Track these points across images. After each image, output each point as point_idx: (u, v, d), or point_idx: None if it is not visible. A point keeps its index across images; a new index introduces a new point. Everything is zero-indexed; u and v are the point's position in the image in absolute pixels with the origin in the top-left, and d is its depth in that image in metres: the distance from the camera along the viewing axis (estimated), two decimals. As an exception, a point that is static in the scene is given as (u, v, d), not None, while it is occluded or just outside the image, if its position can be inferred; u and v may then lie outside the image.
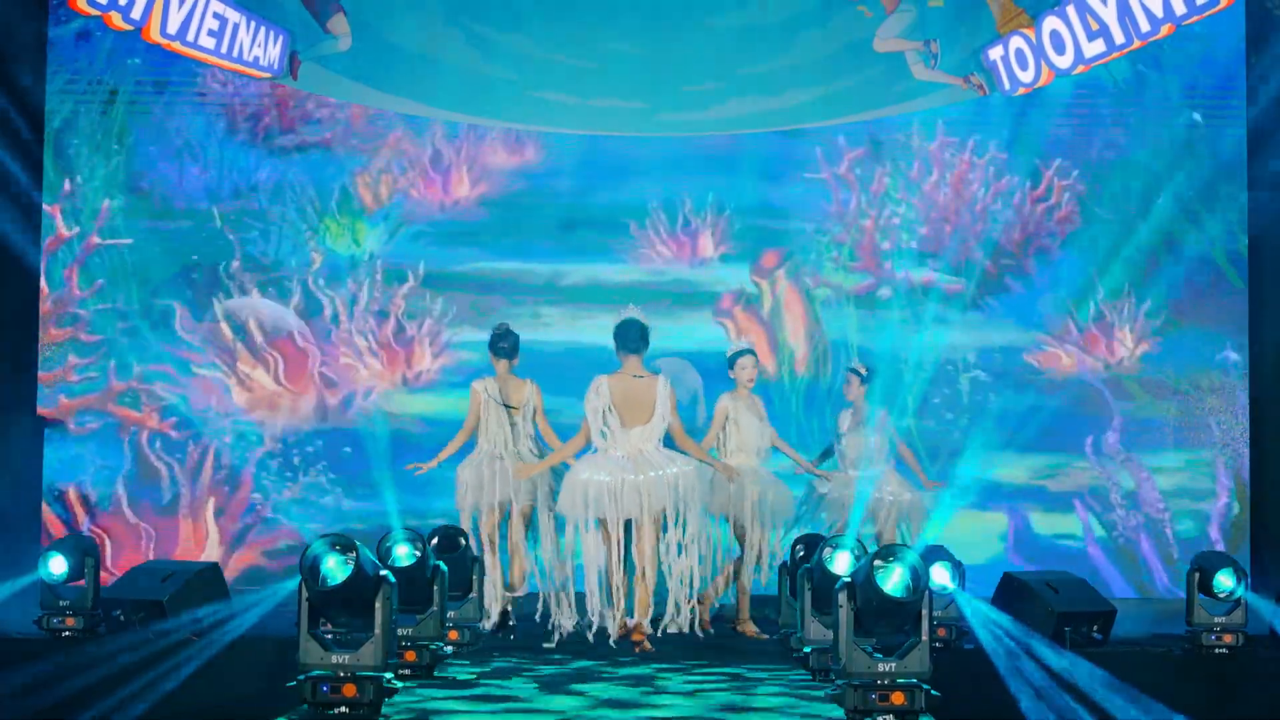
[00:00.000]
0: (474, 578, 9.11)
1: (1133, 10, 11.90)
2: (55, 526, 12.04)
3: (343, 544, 6.56)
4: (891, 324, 12.47)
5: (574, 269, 12.60)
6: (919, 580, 6.49)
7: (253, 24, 12.15)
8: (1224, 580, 9.28)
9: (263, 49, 12.19)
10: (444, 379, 12.38)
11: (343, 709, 6.50)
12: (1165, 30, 11.88)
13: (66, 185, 12.32)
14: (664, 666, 8.59)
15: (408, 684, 7.62)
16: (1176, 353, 12.49)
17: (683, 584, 9.36)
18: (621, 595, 9.32)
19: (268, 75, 12.30)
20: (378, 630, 6.58)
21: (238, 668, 8.01)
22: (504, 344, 10.22)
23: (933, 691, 6.49)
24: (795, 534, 9.88)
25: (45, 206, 12.27)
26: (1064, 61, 12.12)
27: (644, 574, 9.26)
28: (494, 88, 12.48)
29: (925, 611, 6.54)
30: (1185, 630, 9.38)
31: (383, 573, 6.70)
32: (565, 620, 9.49)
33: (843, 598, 6.63)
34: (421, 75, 12.49)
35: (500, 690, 7.72)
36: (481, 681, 7.99)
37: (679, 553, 9.30)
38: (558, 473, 9.80)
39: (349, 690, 6.50)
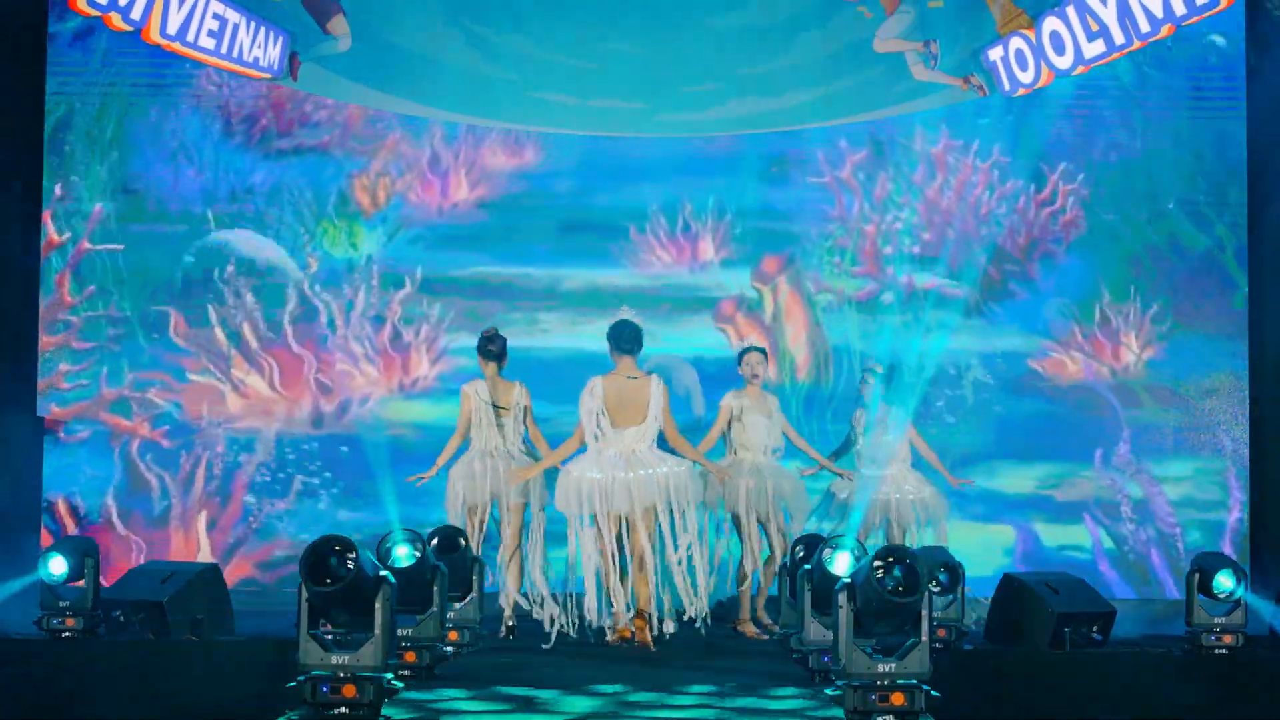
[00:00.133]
0: (474, 578, 9.10)
1: (1132, 11, 11.91)
2: (44, 539, 11.86)
3: (340, 542, 6.57)
4: (894, 329, 12.41)
5: (573, 274, 12.55)
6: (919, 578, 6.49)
7: (253, 25, 12.14)
8: (1224, 581, 9.29)
9: (263, 50, 12.18)
10: (441, 386, 12.25)
11: (342, 709, 6.50)
12: (1165, 31, 11.88)
13: (58, 190, 12.28)
14: (663, 667, 8.59)
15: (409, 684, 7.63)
16: (1183, 357, 12.39)
17: (686, 582, 9.40)
18: (618, 597, 9.34)
19: (268, 76, 12.29)
20: (377, 631, 6.57)
21: (238, 668, 8.01)
22: (492, 346, 10.26)
23: (933, 692, 6.48)
24: (818, 531, 9.94)
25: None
26: (1064, 62, 12.12)
27: (640, 563, 9.30)
28: (494, 88, 12.45)
29: (925, 612, 6.54)
30: (1185, 631, 9.39)
31: (382, 573, 6.70)
32: (561, 618, 9.55)
33: (842, 598, 6.63)
34: (421, 76, 12.45)
35: (500, 690, 7.72)
36: (482, 683, 7.99)
37: (674, 549, 9.36)
38: (549, 473, 9.87)
39: (349, 691, 6.49)
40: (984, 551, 11.91)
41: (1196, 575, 9.35)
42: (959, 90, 12.47)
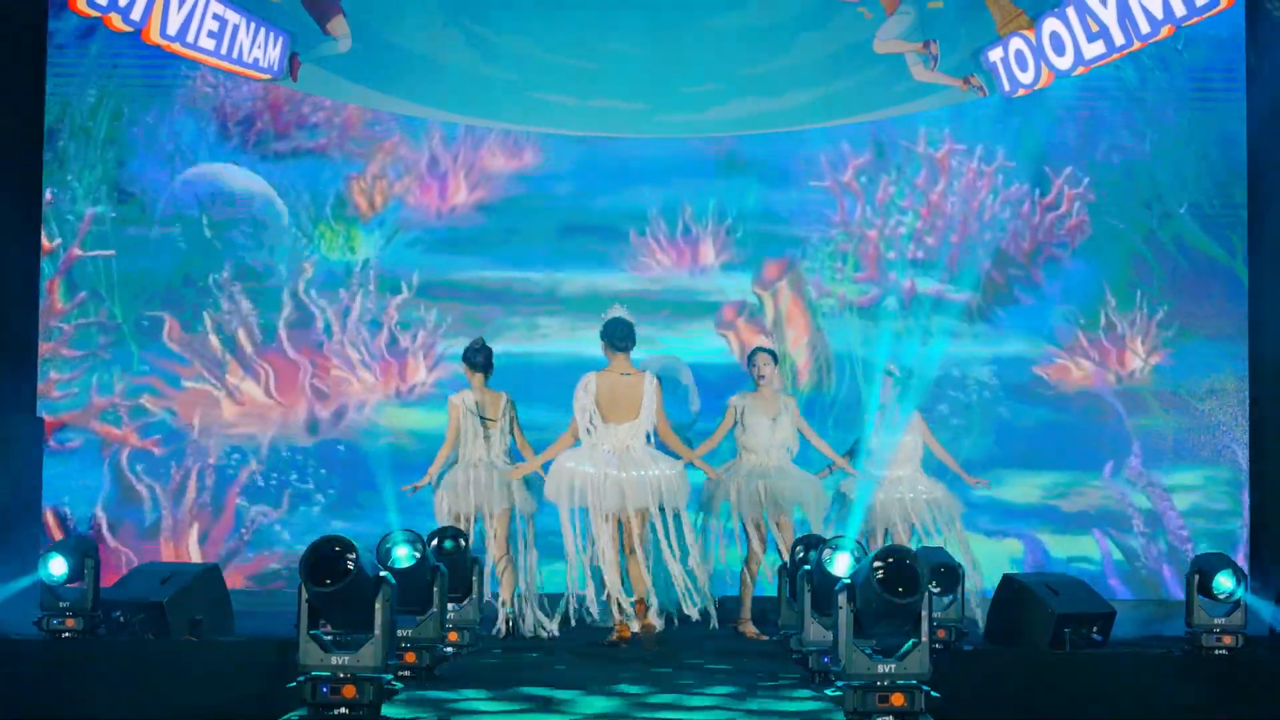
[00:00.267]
0: (473, 579, 9.11)
1: (1132, 11, 11.91)
2: (48, 536, 11.88)
3: (340, 543, 6.56)
4: (897, 335, 12.35)
5: (572, 278, 12.50)
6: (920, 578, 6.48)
7: (253, 25, 12.14)
8: (1224, 582, 9.28)
9: (262, 50, 12.18)
10: (438, 392, 12.05)
11: (342, 710, 6.50)
12: (1165, 31, 11.88)
13: (48, 195, 12.24)
14: (663, 668, 8.59)
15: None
16: (1190, 362, 12.32)
17: (683, 581, 9.43)
18: (614, 599, 9.37)
19: (267, 77, 12.28)
20: (377, 631, 6.57)
21: (238, 668, 8.01)
22: (479, 357, 10.28)
23: (933, 693, 6.48)
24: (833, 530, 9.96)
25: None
26: (1064, 63, 12.12)
27: (633, 550, 9.37)
28: (494, 88, 12.43)
29: (925, 613, 6.53)
30: (1185, 631, 9.38)
31: (382, 574, 6.70)
32: (556, 621, 9.67)
33: (842, 599, 6.63)
34: (421, 76, 12.43)
35: (501, 691, 7.71)
36: (483, 683, 7.99)
37: (669, 550, 9.40)
38: (529, 481, 9.97)
39: (349, 691, 6.49)
40: (993, 562, 11.57)
41: (1196, 576, 9.35)
42: (959, 91, 12.47)
